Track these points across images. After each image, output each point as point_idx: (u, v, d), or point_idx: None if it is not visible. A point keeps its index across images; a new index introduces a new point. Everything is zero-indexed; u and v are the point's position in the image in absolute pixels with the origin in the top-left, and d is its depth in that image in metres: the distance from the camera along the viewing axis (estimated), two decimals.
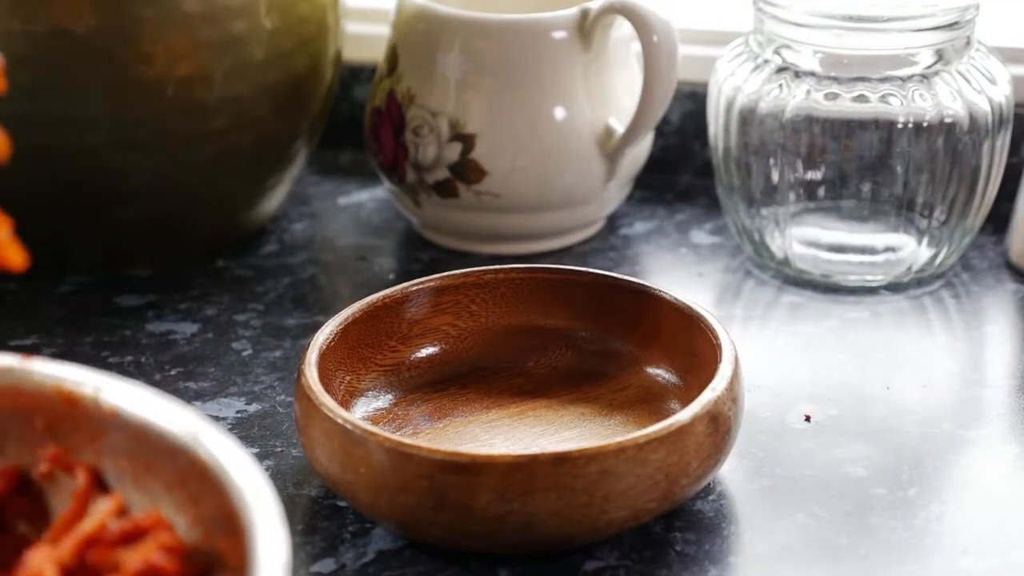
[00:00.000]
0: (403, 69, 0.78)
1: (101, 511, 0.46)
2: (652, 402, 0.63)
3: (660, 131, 0.89)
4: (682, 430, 0.55)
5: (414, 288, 0.65)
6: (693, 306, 0.63)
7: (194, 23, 0.72)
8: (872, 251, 0.78)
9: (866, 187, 0.77)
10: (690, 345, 0.62)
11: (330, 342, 0.61)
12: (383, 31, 0.82)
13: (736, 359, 0.59)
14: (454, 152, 0.77)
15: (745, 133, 0.76)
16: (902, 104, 0.74)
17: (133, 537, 0.45)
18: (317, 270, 0.80)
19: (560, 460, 0.53)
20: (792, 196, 0.77)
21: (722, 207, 0.80)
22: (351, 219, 0.86)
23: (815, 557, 0.56)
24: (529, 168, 0.77)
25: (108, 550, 0.45)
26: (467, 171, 0.77)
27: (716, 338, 0.60)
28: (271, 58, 0.75)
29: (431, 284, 0.66)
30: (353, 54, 0.90)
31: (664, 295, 0.64)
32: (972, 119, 0.74)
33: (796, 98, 0.74)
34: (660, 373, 0.64)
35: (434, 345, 0.66)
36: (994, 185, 0.77)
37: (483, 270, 0.67)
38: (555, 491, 0.53)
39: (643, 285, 0.65)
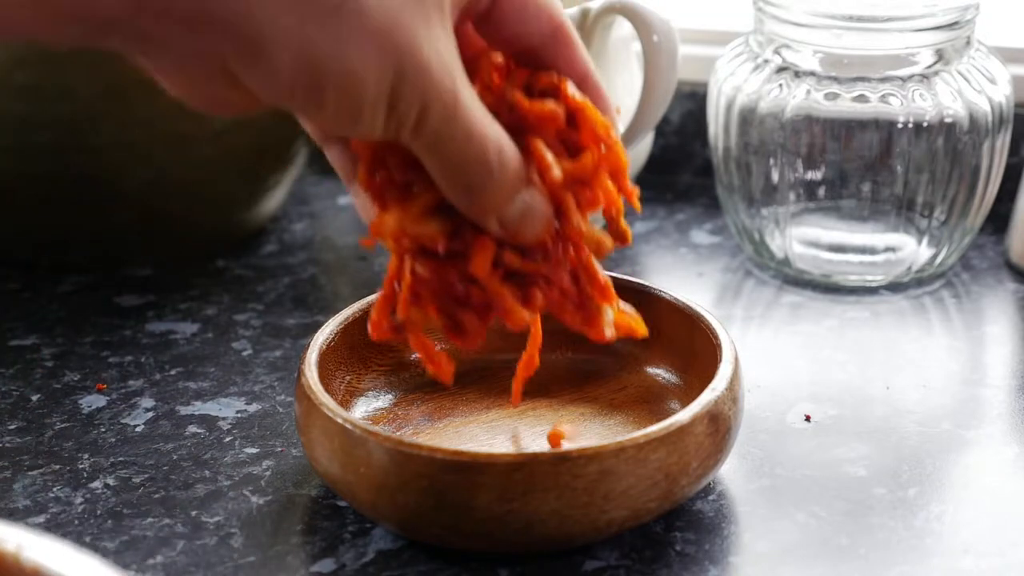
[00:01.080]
0: None
1: None
2: (652, 402, 0.63)
3: (660, 131, 0.89)
4: (682, 430, 0.55)
5: None
6: (693, 306, 0.63)
7: None
8: (872, 251, 0.78)
9: (866, 187, 0.77)
10: (690, 345, 0.62)
11: (330, 342, 0.61)
12: None
13: (736, 359, 0.59)
14: None
15: (745, 133, 0.76)
16: (902, 104, 0.74)
17: None
18: (317, 270, 0.80)
19: (560, 460, 0.53)
20: (792, 196, 0.77)
21: (722, 207, 0.80)
22: (351, 219, 0.86)
23: (815, 557, 0.57)
24: None
25: None
26: None
27: (716, 338, 0.60)
28: None
29: None
30: None
31: (664, 295, 0.64)
32: (972, 119, 0.74)
33: (796, 98, 0.74)
34: (660, 373, 0.64)
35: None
36: (994, 185, 0.77)
37: None
38: (555, 491, 0.53)
39: (643, 285, 0.65)
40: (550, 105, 0.50)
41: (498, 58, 0.51)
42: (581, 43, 0.52)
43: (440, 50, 0.46)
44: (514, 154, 0.49)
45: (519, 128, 0.50)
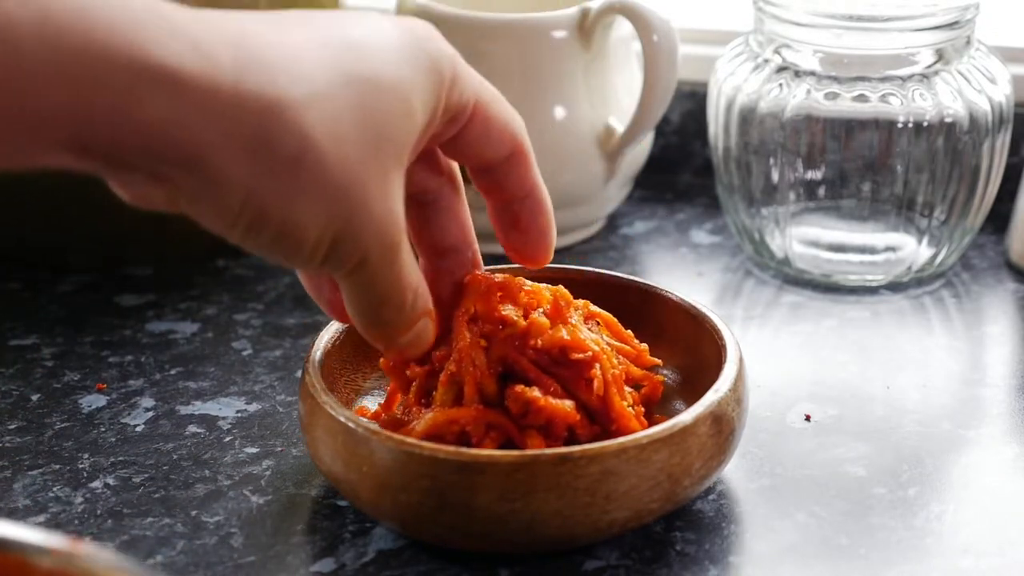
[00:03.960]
0: None
1: None
2: (656, 402, 0.63)
3: (660, 131, 0.89)
4: (685, 431, 0.55)
5: None
6: (698, 306, 0.63)
7: None
8: (872, 251, 0.78)
9: (866, 187, 0.77)
10: (694, 345, 0.62)
11: (335, 340, 0.61)
12: None
13: (740, 359, 0.59)
14: None
15: (745, 133, 0.76)
16: (902, 104, 0.74)
17: None
18: None
19: (562, 460, 0.53)
20: (792, 196, 0.77)
21: (722, 207, 0.80)
22: None
23: (815, 557, 0.56)
24: None
25: None
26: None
27: (721, 338, 0.60)
28: None
29: None
30: None
31: (669, 295, 0.64)
32: (972, 119, 0.74)
33: (796, 98, 0.74)
34: (664, 373, 0.64)
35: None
36: (994, 185, 0.77)
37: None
38: (557, 491, 0.53)
39: (648, 285, 0.65)
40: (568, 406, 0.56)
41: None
42: (533, 160, 0.55)
43: (390, 204, 0.49)
44: (424, 292, 0.53)
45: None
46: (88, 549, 0.43)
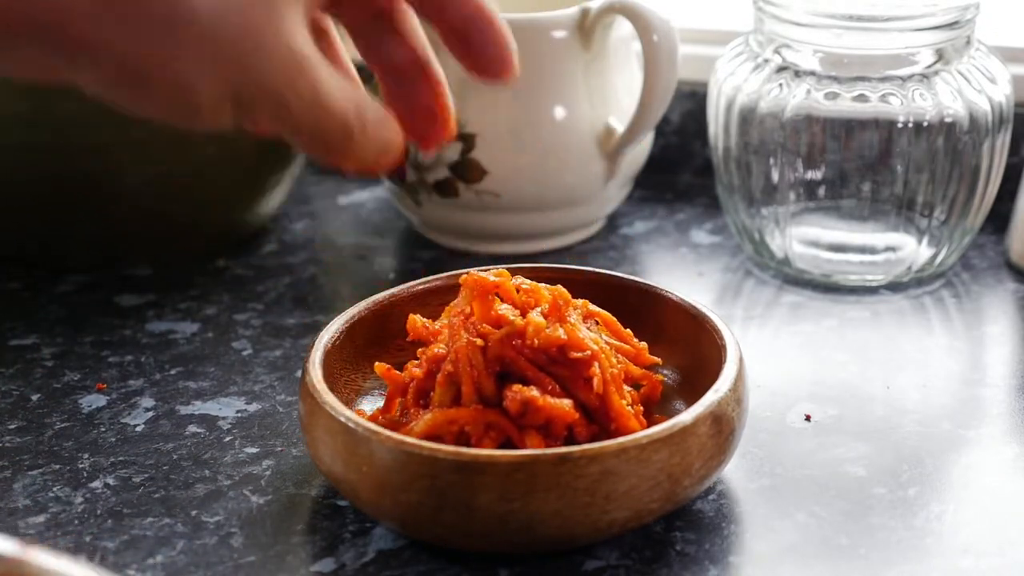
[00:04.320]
0: None
1: None
2: (656, 402, 0.63)
3: (660, 131, 0.89)
4: (685, 431, 0.55)
5: (419, 287, 0.65)
6: (698, 306, 0.63)
7: None
8: (872, 251, 0.78)
9: (866, 187, 0.77)
10: (695, 345, 0.62)
11: (335, 340, 0.61)
12: None
13: (740, 360, 0.59)
14: (454, 151, 0.77)
15: (745, 133, 0.76)
16: (902, 104, 0.74)
17: None
18: (317, 270, 0.80)
19: (562, 460, 0.53)
20: (792, 196, 0.77)
21: (722, 207, 0.80)
22: (351, 218, 0.86)
23: (815, 557, 0.57)
24: (529, 167, 0.77)
25: None
26: (467, 170, 0.77)
27: (721, 338, 0.60)
28: None
29: (436, 283, 0.66)
30: (354, 53, 0.89)
31: (670, 295, 0.64)
32: (972, 119, 0.74)
33: (796, 97, 0.74)
34: (664, 373, 0.64)
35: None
36: (994, 185, 0.77)
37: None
38: (556, 491, 0.53)
39: (648, 285, 0.65)
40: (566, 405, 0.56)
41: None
42: None
43: (290, 49, 0.46)
44: (366, 103, 0.49)
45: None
46: (39, 556, 0.43)
